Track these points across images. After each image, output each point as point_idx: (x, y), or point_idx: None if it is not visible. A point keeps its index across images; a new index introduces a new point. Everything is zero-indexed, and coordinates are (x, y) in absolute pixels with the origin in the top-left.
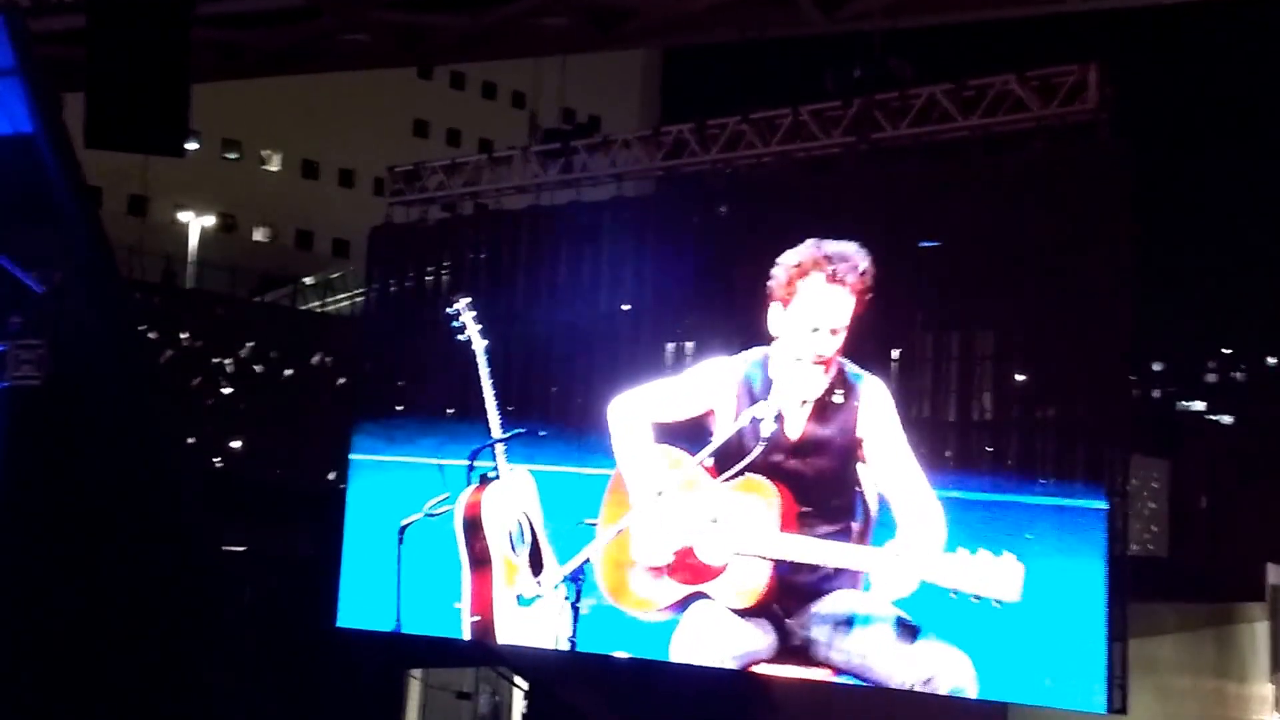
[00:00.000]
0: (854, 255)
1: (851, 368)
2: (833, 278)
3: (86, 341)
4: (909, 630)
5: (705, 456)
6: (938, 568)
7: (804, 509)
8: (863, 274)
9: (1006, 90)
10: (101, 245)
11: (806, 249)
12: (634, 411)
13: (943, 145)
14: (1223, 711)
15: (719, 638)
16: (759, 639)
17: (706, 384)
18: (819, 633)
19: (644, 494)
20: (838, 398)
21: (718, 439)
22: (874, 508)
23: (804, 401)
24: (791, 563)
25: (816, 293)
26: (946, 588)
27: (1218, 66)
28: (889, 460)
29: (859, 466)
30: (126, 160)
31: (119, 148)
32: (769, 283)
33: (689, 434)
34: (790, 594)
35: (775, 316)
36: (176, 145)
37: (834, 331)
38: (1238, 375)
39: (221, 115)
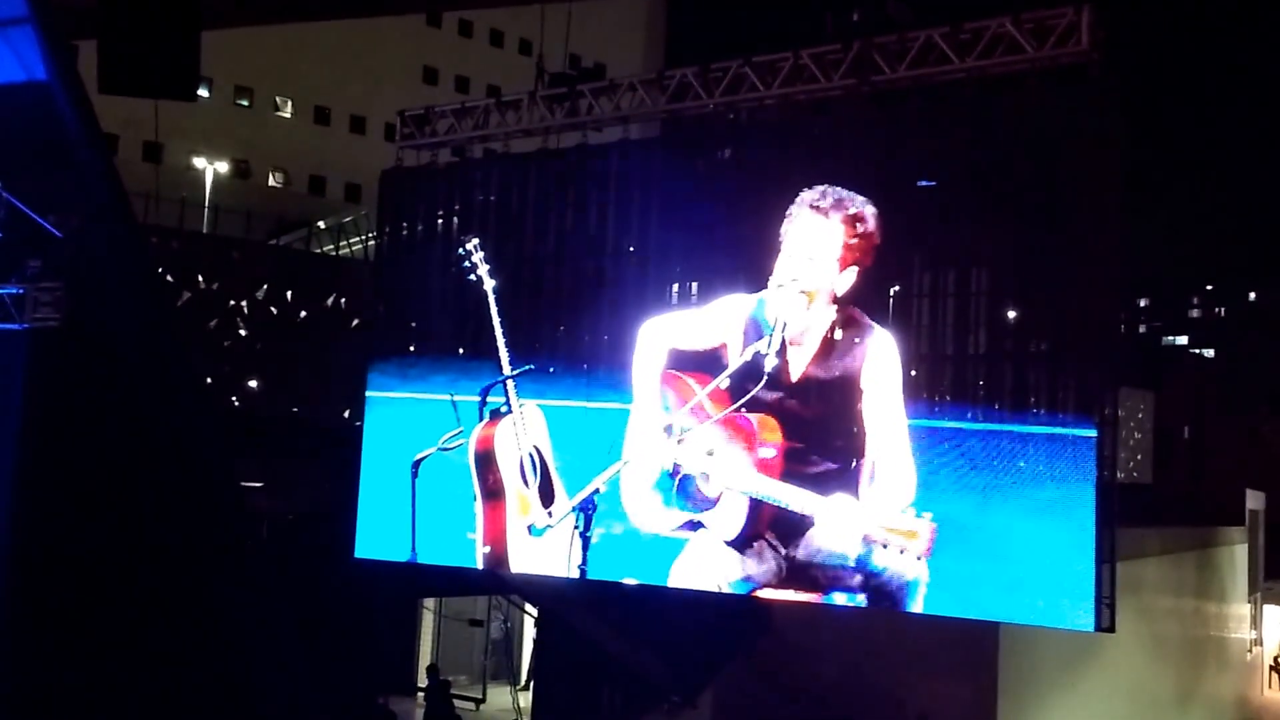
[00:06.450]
0: (845, 195)
1: (863, 318)
2: (816, 208)
3: (104, 284)
4: (900, 552)
5: (713, 388)
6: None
7: (797, 445)
8: (846, 207)
9: (1002, 33)
10: (117, 190)
11: (807, 193)
12: (660, 334)
13: (940, 86)
14: (1203, 629)
15: (718, 564)
16: (756, 565)
17: (721, 319)
18: (812, 557)
19: (652, 421)
20: (843, 344)
21: (725, 372)
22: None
23: (801, 334)
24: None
25: (800, 222)
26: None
27: (1208, 9)
28: (879, 417)
29: (860, 410)
30: (140, 108)
31: (132, 93)
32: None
33: (705, 365)
34: (783, 521)
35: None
36: (188, 90)
37: (811, 258)
38: (1220, 310)
39: (234, 63)
